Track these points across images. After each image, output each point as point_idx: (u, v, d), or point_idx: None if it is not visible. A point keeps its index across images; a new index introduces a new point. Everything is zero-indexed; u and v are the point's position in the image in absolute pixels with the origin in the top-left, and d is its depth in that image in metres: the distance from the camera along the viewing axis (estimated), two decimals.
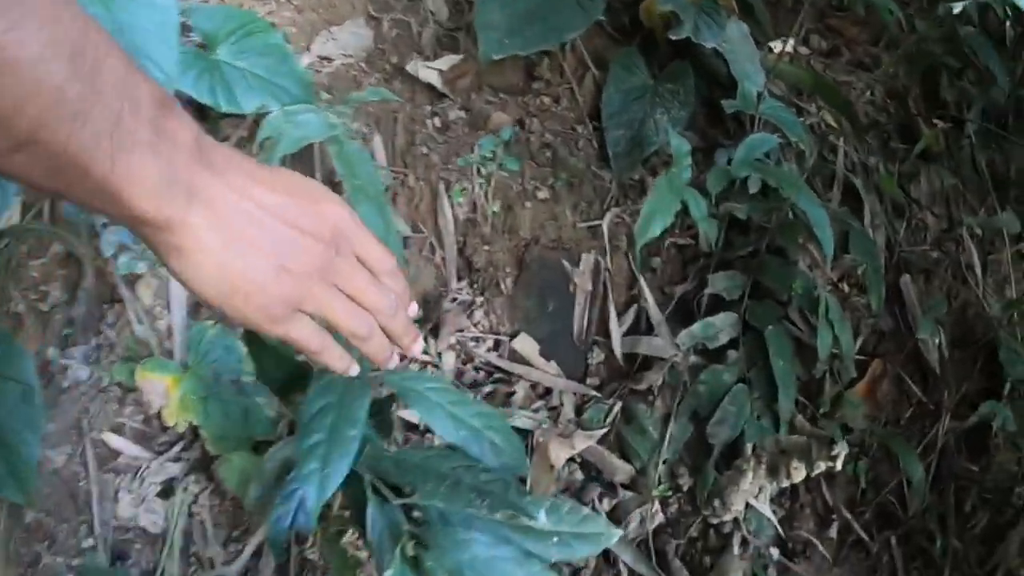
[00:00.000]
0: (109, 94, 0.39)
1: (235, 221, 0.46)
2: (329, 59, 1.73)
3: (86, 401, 1.35)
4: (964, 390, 1.46)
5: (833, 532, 1.40)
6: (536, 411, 1.42)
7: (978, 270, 1.55)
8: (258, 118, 1.41)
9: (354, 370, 0.62)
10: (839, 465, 1.08)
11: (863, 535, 1.44)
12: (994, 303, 1.52)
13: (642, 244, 1.10)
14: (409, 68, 1.63)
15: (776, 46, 1.80)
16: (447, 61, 1.64)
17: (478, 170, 1.54)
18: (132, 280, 1.38)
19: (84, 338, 1.39)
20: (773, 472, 1.24)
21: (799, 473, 1.18)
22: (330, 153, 1.29)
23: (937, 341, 1.42)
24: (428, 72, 1.62)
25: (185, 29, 1.43)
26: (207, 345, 1.29)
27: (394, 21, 1.74)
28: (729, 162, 1.53)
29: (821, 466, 1.11)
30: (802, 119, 1.63)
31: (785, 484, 1.22)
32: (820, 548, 1.40)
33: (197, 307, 1.42)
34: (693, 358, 1.41)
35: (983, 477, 1.49)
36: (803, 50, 1.85)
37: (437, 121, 1.63)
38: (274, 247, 0.48)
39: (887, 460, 1.47)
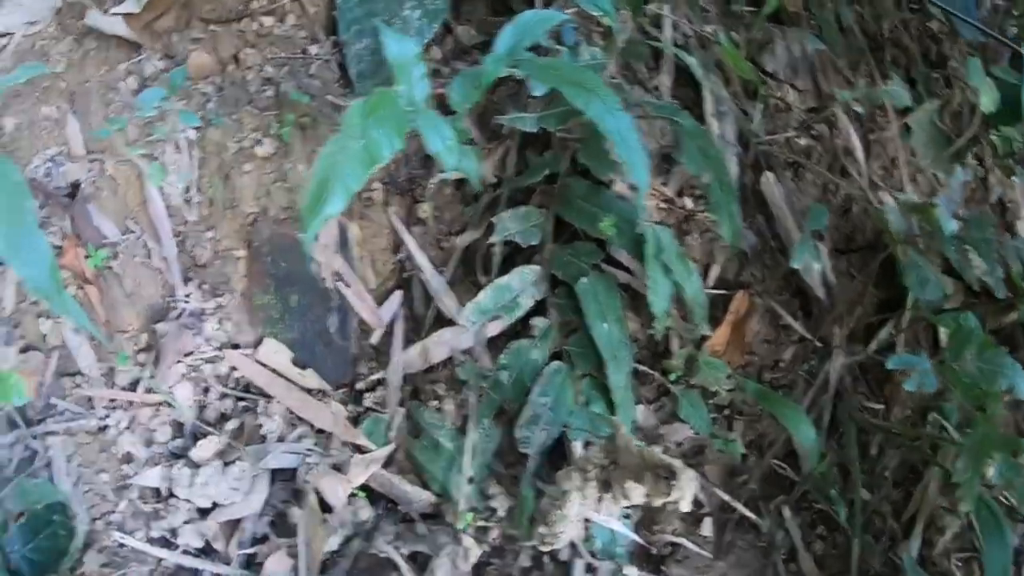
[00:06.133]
0: None
1: None
2: (10, 34, 1.14)
3: None
4: (856, 314, 0.97)
5: (707, 528, 0.94)
6: (299, 439, 0.92)
7: (860, 154, 1.05)
8: None
9: None
10: (686, 505, 0.60)
11: (747, 513, 0.99)
12: (884, 196, 1.02)
13: (315, 230, 0.57)
14: (88, 20, 1.05)
15: None
16: (138, 0, 1.04)
17: (174, 134, 0.99)
18: None
19: None
20: (607, 488, 0.76)
21: (638, 495, 0.69)
22: None
23: (819, 267, 0.92)
24: (112, 21, 1.04)
25: None
26: None
27: None
28: None
29: (658, 499, 0.62)
30: None
31: (624, 504, 0.74)
32: (693, 546, 0.94)
33: None
34: (489, 330, 0.91)
35: (887, 412, 1.03)
36: None
37: (132, 82, 1.08)
38: None
39: (767, 416, 1.00)
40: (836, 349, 1.04)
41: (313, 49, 1.14)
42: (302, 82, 1.09)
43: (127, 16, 1.17)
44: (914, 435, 1.09)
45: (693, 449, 1.01)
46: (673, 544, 1.01)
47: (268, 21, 1.15)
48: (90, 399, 1.05)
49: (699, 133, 0.90)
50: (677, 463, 0.72)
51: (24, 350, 1.06)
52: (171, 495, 0.99)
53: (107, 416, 1.04)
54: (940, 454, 1.11)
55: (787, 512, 1.08)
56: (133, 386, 1.05)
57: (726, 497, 1.03)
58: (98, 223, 1.10)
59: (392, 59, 0.83)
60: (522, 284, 0.95)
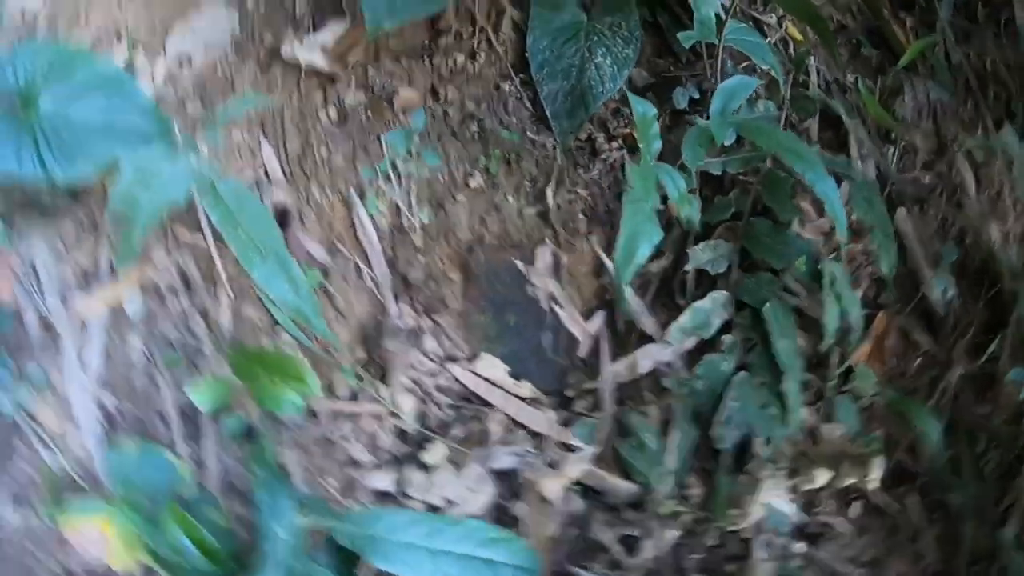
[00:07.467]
0: None
1: None
2: (189, 59, 1.47)
3: (30, 547, 1.27)
4: (972, 332, 1.45)
5: (855, 510, 1.40)
6: (519, 443, 1.32)
7: (972, 191, 1.52)
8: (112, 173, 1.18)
9: None
10: (875, 483, 1.04)
11: (881, 499, 1.46)
12: (993, 226, 1.50)
13: (629, 277, 0.97)
14: (284, 52, 1.39)
15: None
16: (331, 32, 1.40)
17: (392, 165, 1.35)
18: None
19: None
20: (793, 475, 1.21)
21: (823, 478, 1.14)
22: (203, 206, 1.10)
23: (949, 295, 1.40)
24: (308, 52, 1.38)
25: None
26: (131, 468, 1.15)
27: None
28: (690, 104, 1.42)
29: (848, 480, 1.07)
30: (767, 39, 1.50)
31: (804, 488, 1.18)
32: (841, 527, 1.40)
33: (109, 417, 1.26)
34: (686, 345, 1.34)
35: (992, 415, 1.52)
36: None
37: (332, 111, 1.42)
38: None
39: (897, 416, 1.47)
40: (955, 361, 1.51)
41: (505, 86, 1.48)
42: (503, 119, 1.45)
43: (322, 47, 1.49)
44: (1014, 434, 1.58)
45: None
46: (825, 524, 1.46)
47: (460, 58, 1.49)
48: (313, 410, 1.41)
49: (866, 187, 1.33)
50: (865, 452, 1.17)
51: None
52: (403, 495, 1.35)
53: (331, 426, 1.39)
54: None
55: (910, 499, 1.55)
56: (354, 397, 1.41)
57: (866, 486, 1.50)
58: (308, 245, 1.44)
59: (637, 121, 1.22)
60: (713, 307, 1.36)
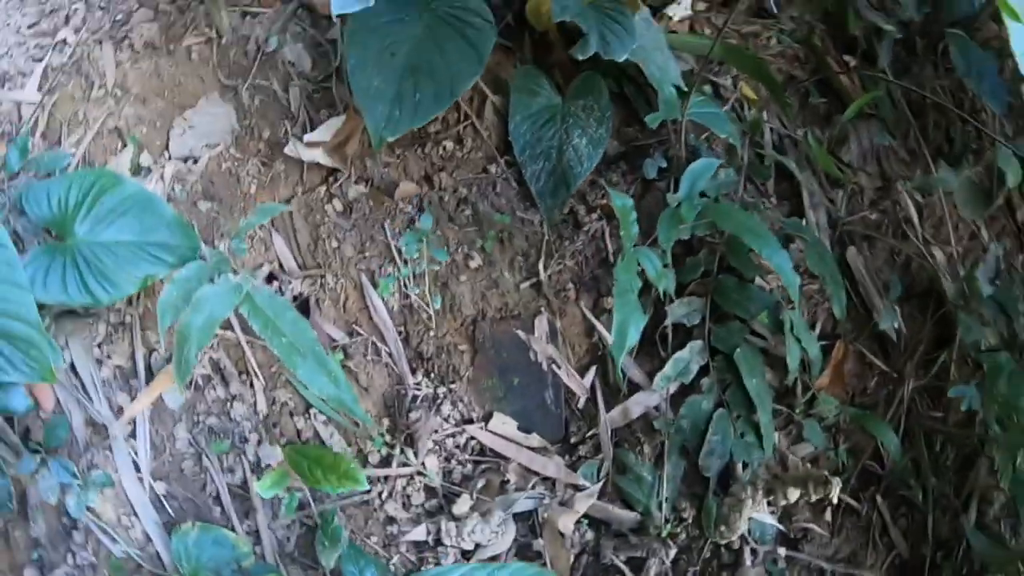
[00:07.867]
0: None
1: None
2: (194, 158, 1.62)
3: None
4: (921, 350, 1.67)
5: (830, 514, 1.63)
6: (533, 487, 1.53)
7: (915, 222, 1.73)
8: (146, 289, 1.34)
9: None
10: (835, 499, 1.26)
11: (851, 501, 1.69)
12: (936, 251, 1.71)
13: (623, 357, 1.18)
14: (288, 151, 1.57)
15: (672, 11, 1.82)
16: (328, 128, 1.58)
17: (398, 252, 1.54)
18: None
19: (56, 554, 1.40)
20: (769, 494, 1.43)
21: (795, 495, 1.36)
22: (243, 314, 1.28)
23: (896, 325, 1.61)
24: (310, 151, 1.56)
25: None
26: (195, 548, 1.34)
27: (253, 87, 1.64)
28: (659, 174, 1.61)
29: (816, 496, 1.29)
30: (723, 102, 1.69)
31: (781, 504, 1.41)
32: (818, 529, 1.63)
33: (163, 502, 1.44)
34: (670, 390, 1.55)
35: (945, 418, 1.74)
36: (700, 5, 1.87)
37: (337, 204, 1.60)
38: None
39: (860, 429, 1.69)
40: (907, 377, 1.73)
41: (492, 168, 1.66)
42: (493, 200, 1.63)
43: (323, 144, 1.65)
44: (966, 434, 1.81)
45: (812, 459, 1.69)
46: (804, 529, 1.69)
47: (449, 145, 1.66)
48: None
49: (817, 243, 1.51)
50: (826, 474, 1.40)
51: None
52: (438, 544, 1.56)
53: (368, 490, 1.59)
54: (986, 447, 1.84)
55: (878, 499, 1.78)
56: (385, 462, 1.60)
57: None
58: (327, 329, 1.63)
59: (618, 212, 1.40)
60: (691, 355, 1.57)
